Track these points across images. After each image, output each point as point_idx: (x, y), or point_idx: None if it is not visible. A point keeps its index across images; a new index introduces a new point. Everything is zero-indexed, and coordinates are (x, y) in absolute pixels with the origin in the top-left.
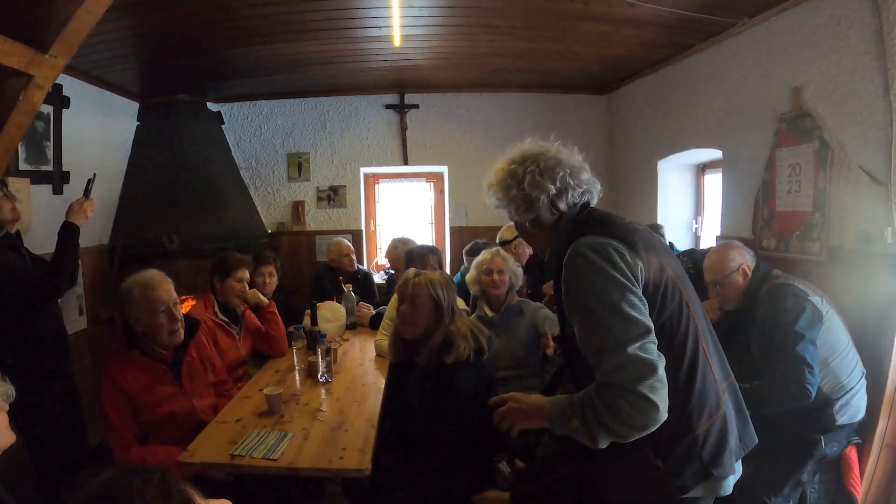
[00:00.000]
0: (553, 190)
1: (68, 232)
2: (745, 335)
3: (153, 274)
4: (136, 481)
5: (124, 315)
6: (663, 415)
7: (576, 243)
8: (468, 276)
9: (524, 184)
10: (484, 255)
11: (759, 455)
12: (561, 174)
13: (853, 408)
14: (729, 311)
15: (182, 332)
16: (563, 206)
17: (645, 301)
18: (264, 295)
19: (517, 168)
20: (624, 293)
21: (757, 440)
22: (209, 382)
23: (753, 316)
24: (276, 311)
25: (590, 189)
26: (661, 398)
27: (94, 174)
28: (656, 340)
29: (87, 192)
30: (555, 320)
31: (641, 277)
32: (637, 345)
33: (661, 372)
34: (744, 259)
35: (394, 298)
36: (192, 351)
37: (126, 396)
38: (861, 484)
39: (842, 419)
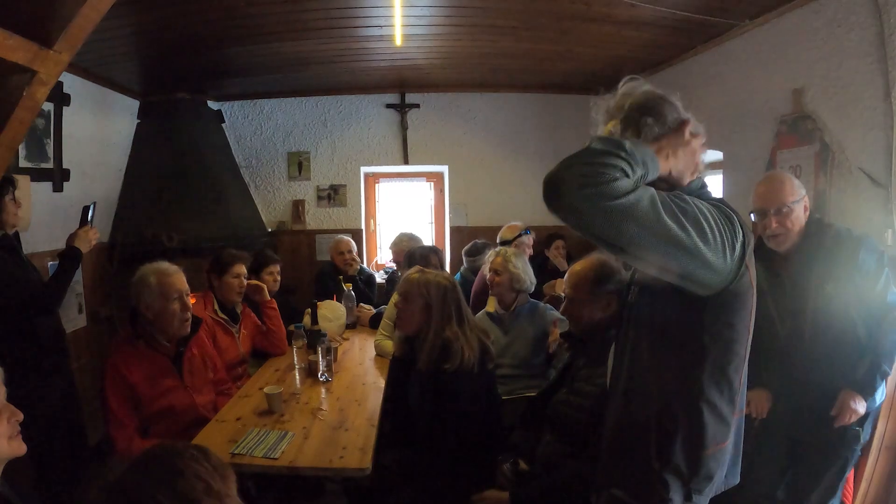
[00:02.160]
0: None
1: (73, 258)
2: (798, 286)
3: (167, 264)
4: (179, 447)
5: (134, 303)
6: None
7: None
8: (486, 270)
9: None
10: (491, 252)
11: (809, 459)
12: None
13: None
14: (773, 256)
15: (189, 323)
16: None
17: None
18: (261, 297)
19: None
20: (711, 231)
21: (738, 481)
22: (209, 380)
23: (809, 264)
24: (277, 307)
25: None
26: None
27: (94, 203)
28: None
29: (90, 221)
30: (566, 320)
31: (734, 262)
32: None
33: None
34: (804, 192)
35: (393, 298)
36: (194, 347)
37: (129, 387)
38: (856, 491)
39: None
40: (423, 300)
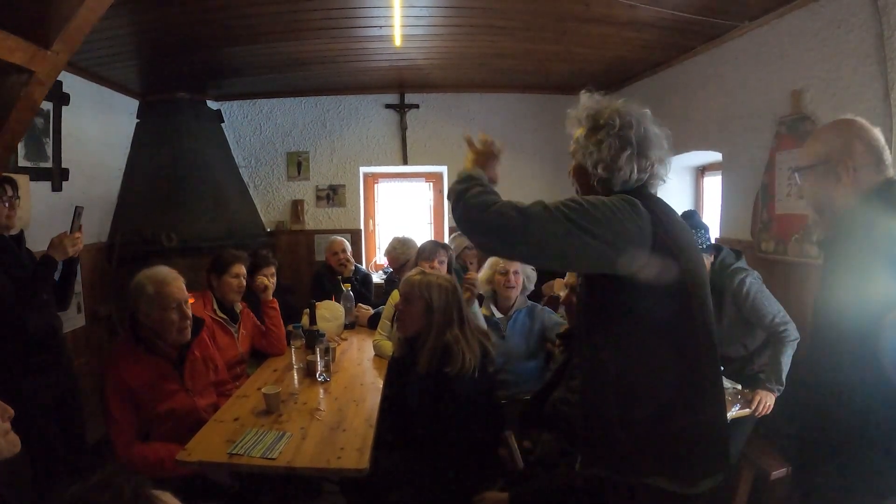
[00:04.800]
0: (637, 171)
1: (43, 264)
2: (826, 276)
3: (166, 271)
4: (105, 496)
5: (132, 310)
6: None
7: None
8: (480, 275)
9: (625, 152)
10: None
11: None
12: (654, 165)
13: None
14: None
15: (189, 330)
16: (632, 183)
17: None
18: (265, 296)
19: (630, 132)
20: (602, 225)
21: (731, 463)
22: (211, 381)
23: (844, 249)
24: (278, 307)
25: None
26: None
27: (77, 207)
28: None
29: (72, 226)
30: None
31: (642, 240)
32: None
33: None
34: (851, 153)
35: (391, 297)
36: (196, 349)
37: (129, 392)
38: None
39: None
40: (425, 302)
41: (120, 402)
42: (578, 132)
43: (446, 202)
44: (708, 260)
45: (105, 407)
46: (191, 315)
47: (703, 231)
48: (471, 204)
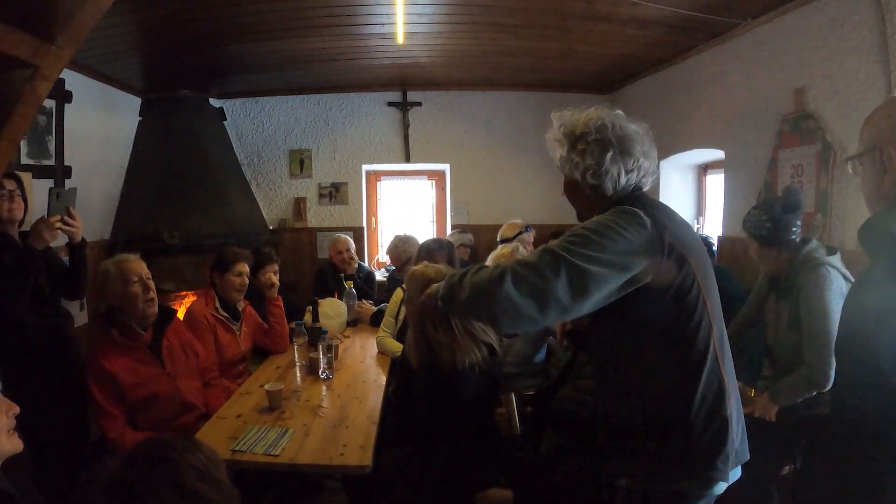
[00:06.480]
0: (625, 172)
1: (22, 256)
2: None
3: (127, 254)
4: (175, 440)
5: (102, 296)
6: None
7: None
8: None
9: (610, 156)
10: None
11: None
12: (640, 160)
13: None
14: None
15: (156, 304)
16: (623, 185)
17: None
18: (271, 293)
19: (607, 133)
20: (616, 244)
21: (749, 457)
22: (193, 367)
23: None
24: (282, 305)
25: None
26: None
27: (53, 189)
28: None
29: (49, 208)
30: None
31: (652, 249)
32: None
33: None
34: None
35: (395, 295)
36: (170, 335)
37: (110, 377)
38: None
39: None
40: (407, 295)
41: (103, 389)
42: (559, 151)
43: (449, 200)
44: (780, 252)
45: (91, 396)
46: (154, 289)
47: (793, 218)
48: (479, 282)
